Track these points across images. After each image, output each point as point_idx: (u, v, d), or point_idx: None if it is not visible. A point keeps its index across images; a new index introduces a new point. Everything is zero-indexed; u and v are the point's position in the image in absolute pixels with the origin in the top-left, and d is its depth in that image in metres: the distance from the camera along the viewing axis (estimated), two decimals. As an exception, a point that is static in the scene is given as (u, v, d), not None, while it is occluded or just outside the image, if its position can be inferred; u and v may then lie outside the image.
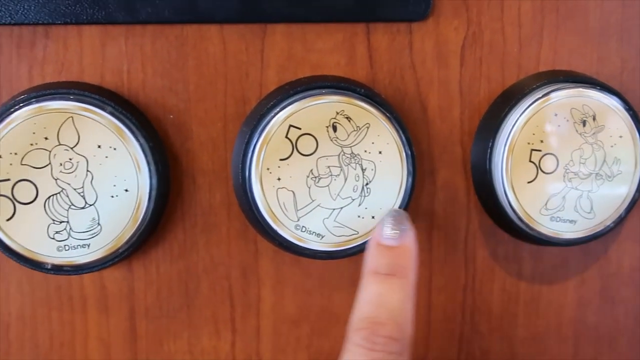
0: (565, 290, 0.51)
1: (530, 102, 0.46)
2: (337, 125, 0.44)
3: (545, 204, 0.47)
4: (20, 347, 0.46)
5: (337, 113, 0.44)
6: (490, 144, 0.47)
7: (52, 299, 0.46)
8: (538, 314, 0.51)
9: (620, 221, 0.48)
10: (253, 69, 0.46)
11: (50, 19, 0.43)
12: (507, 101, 0.47)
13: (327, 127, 0.44)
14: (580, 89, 0.46)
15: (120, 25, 0.44)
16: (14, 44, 0.44)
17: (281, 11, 0.45)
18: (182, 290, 0.47)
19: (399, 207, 0.45)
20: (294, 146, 0.44)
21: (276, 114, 0.44)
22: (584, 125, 0.46)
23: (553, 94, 0.46)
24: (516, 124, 0.46)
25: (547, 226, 0.47)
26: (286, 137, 0.44)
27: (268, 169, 0.44)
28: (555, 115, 0.46)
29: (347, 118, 0.44)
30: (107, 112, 0.42)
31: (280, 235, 0.45)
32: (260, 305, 0.48)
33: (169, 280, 0.47)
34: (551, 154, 0.46)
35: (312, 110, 0.44)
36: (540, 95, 0.46)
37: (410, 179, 0.45)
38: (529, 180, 0.46)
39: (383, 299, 0.39)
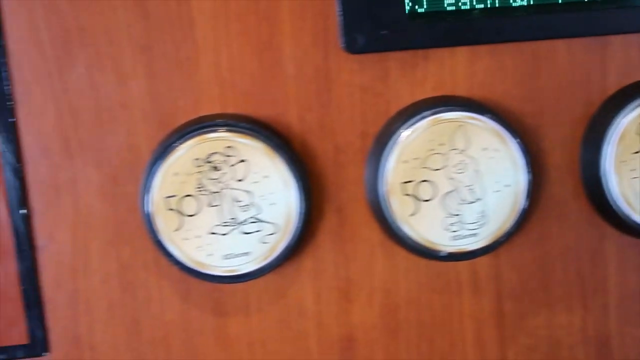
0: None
1: None
2: None
3: None
4: (408, 328, 0.53)
5: None
6: None
7: (435, 284, 0.53)
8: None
9: None
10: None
11: (430, 44, 0.51)
12: None
13: None
14: None
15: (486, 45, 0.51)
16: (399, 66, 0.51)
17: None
18: (540, 273, 0.53)
19: None
20: (645, 140, 0.51)
21: (626, 115, 0.50)
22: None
23: None
24: None
25: None
26: (637, 133, 0.50)
27: (623, 161, 0.50)
28: None
29: None
30: (488, 119, 0.49)
31: (634, 221, 0.51)
32: (607, 284, 0.54)
33: (529, 264, 0.53)
34: None
35: None
36: None
37: None
38: None
39: None
